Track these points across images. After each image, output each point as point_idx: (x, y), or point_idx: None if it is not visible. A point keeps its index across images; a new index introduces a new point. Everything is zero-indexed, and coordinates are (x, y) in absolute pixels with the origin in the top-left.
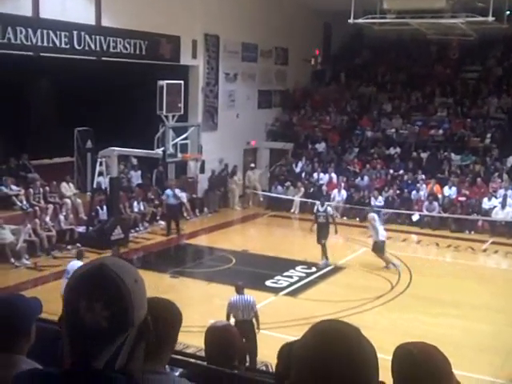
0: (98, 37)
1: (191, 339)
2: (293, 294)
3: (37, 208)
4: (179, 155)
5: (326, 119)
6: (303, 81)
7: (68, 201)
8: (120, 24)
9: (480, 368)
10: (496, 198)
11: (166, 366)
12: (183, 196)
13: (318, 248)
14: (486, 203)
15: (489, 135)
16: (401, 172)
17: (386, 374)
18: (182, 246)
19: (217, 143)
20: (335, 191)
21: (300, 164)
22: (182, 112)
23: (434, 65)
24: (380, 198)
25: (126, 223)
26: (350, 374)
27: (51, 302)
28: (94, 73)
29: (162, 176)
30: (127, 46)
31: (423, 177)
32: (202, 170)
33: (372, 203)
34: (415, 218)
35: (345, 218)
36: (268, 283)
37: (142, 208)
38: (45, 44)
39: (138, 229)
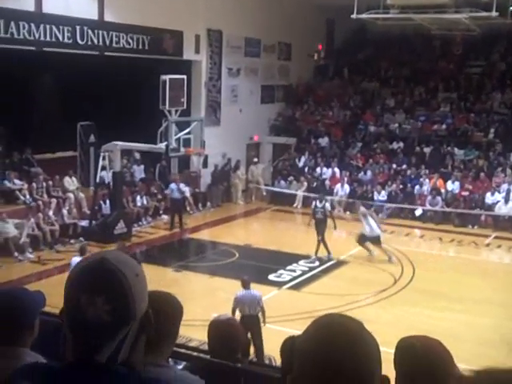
0: (100, 32)
1: (194, 333)
2: (296, 287)
3: (40, 202)
4: (182, 150)
5: (329, 114)
6: (306, 76)
7: (71, 195)
8: (123, 19)
9: (482, 362)
10: (499, 192)
11: (170, 360)
12: (186, 190)
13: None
14: (489, 198)
15: (492, 130)
16: (404, 167)
17: (388, 367)
18: (185, 240)
19: (220, 138)
20: (338, 186)
21: (303, 159)
22: (185, 107)
23: (437, 60)
24: (383, 192)
25: (129, 217)
26: (352, 367)
27: (54, 296)
28: (97, 68)
29: (164, 170)
30: (130, 40)
31: (426, 171)
32: (205, 165)
33: (375, 198)
34: (418, 212)
35: (348, 212)
36: (271, 277)
37: (144, 202)
38: (48, 39)
39: (141, 223)
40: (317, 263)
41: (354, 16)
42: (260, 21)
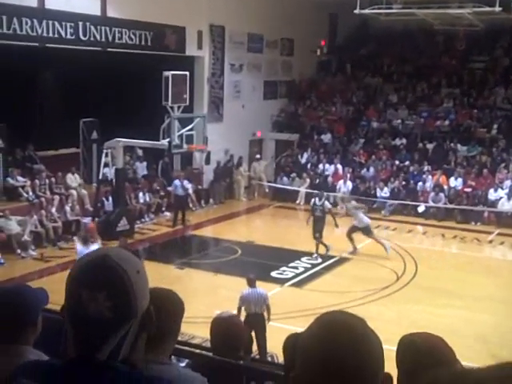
0: (103, 27)
1: (197, 330)
2: (298, 284)
3: (43, 199)
4: (185, 146)
5: (332, 110)
6: (309, 71)
7: (74, 192)
8: (125, 15)
9: (484, 359)
10: (502, 189)
11: (172, 357)
12: (189, 187)
13: (326, 239)
14: (492, 194)
15: (495, 126)
16: (407, 163)
17: (391, 364)
18: (188, 237)
19: (222, 134)
20: (341, 182)
21: (306, 155)
22: (188, 103)
23: (440, 55)
24: (386, 189)
25: (132, 214)
26: (355, 364)
27: (57, 293)
28: (100, 64)
29: (167, 167)
30: (132, 36)
31: (429, 168)
32: (208, 161)
33: (378, 194)
34: (421, 209)
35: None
36: (273, 274)
37: (147, 199)
38: (50, 35)
39: (143, 220)
40: (319, 260)
41: (356, 11)
42: (263, 16)
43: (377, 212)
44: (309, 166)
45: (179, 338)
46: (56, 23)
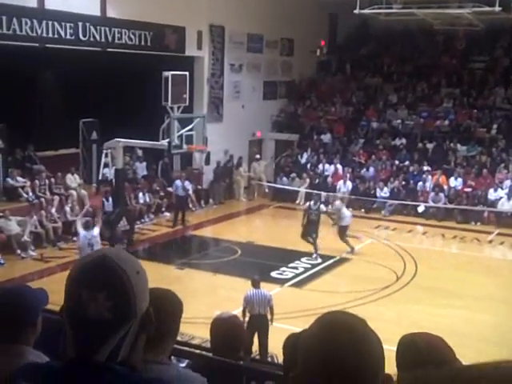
0: (103, 28)
1: (197, 330)
2: (298, 285)
3: (42, 199)
4: (184, 146)
5: (332, 110)
6: (309, 71)
7: (73, 192)
8: (125, 15)
9: (484, 359)
10: (502, 189)
11: (172, 357)
12: (190, 188)
13: (325, 239)
14: (492, 194)
15: (495, 126)
16: (406, 163)
17: (391, 364)
18: (188, 237)
19: (222, 134)
20: (341, 182)
21: (305, 155)
22: (187, 103)
23: (440, 55)
24: (385, 189)
25: (132, 214)
26: (355, 364)
27: (57, 293)
28: (99, 64)
29: (167, 167)
30: (132, 37)
31: (429, 168)
32: (208, 162)
33: (377, 194)
34: (421, 209)
35: (350, 209)
36: (273, 274)
37: (147, 199)
38: (50, 35)
39: (143, 220)
40: (319, 260)
41: (356, 11)
42: (262, 16)
43: (377, 212)
44: (308, 166)
45: (179, 339)
46: (56, 23)
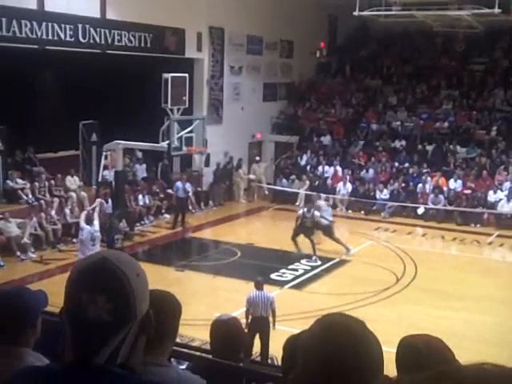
0: (102, 30)
1: (197, 332)
2: (298, 287)
3: (42, 201)
4: (184, 148)
5: (332, 112)
6: (308, 73)
7: (73, 194)
8: (125, 17)
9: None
10: (502, 190)
11: (172, 359)
12: (190, 189)
13: (325, 241)
14: (492, 196)
15: (495, 128)
16: (406, 165)
17: (391, 366)
18: (188, 239)
19: (222, 136)
20: (340, 184)
21: (305, 157)
22: (187, 105)
23: (439, 57)
24: (385, 191)
25: (132, 216)
26: (355, 366)
27: (57, 295)
28: (99, 66)
29: (167, 169)
30: (132, 38)
31: (429, 170)
32: (207, 164)
33: (377, 196)
34: (420, 211)
35: (350, 211)
36: (273, 276)
37: (147, 201)
38: (50, 37)
39: (143, 222)
40: (319, 262)
41: (356, 13)
42: (262, 18)
43: (376, 214)
44: (308, 167)
45: (179, 341)
46: (55, 25)
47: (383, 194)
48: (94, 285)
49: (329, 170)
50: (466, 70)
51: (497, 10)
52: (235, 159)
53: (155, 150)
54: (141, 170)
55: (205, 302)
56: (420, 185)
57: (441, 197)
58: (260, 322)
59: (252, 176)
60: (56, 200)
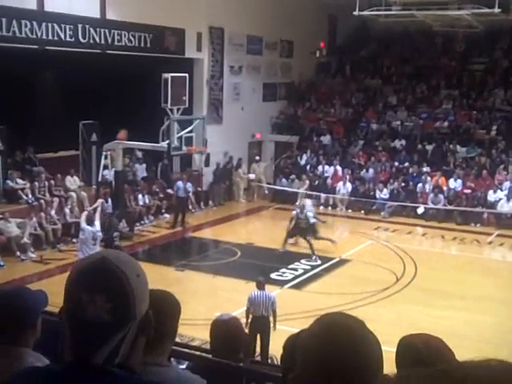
0: (102, 30)
1: (197, 332)
2: (298, 286)
3: (42, 201)
4: (184, 148)
5: (331, 112)
6: (308, 73)
7: (73, 194)
8: (125, 17)
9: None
10: (502, 190)
11: (172, 359)
12: (190, 189)
13: (325, 241)
14: (492, 196)
15: (494, 127)
16: (406, 164)
17: (390, 366)
18: (187, 239)
19: (222, 136)
20: (340, 184)
21: (305, 157)
22: (187, 105)
23: (439, 57)
24: (385, 190)
25: (131, 216)
26: (354, 365)
27: (56, 295)
28: (99, 66)
29: (166, 169)
30: (132, 38)
31: (428, 169)
32: (207, 163)
33: (377, 196)
34: (420, 210)
35: (350, 210)
36: (273, 276)
37: (147, 201)
38: (50, 37)
39: (143, 222)
40: (319, 262)
41: (356, 13)
42: (262, 18)
43: (376, 214)
44: (308, 167)
45: (179, 341)
46: (55, 26)
47: (383, 194)
48: (94, 284)
49: (329, 170)
50: (466, 69)
51: (497, 10)
52: (235, 159)
53: (155, 149)
54: (141, 170)
55: (205, 301)
56: (420, 184)
57: (441, 196)
58: (260, 321)
59: (251, 176)
60: (56, 200)
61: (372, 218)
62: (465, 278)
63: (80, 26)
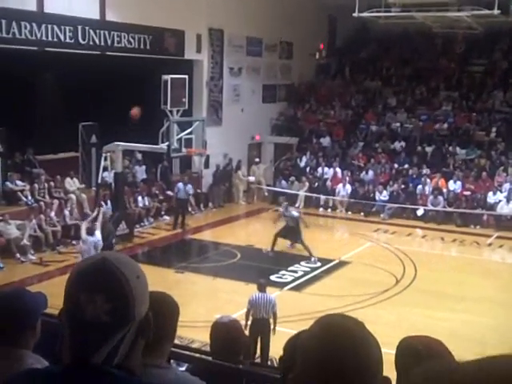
0: (102, 31)
1: (196, 334)
2: (297, 288)
3: (42, 203)
4: (184, 150)
5: (331, 113)
6: (308, 75)
7: (73, 196)
8: (124, 18)
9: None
10: (501, 192)
11: (172, 361)
12: (191, 191)
13: (325, 243)
14: (491, 197)
15: (494, 129)
16: (405, 166)
17: (390, 367)
18: (187, 240)
19: (221, 138)
20: (340, 186)
21: (304, 158)
22: (187, 107)
23: (439, 58)
24: (385, 192)
25: (131, 218)
26: (354, 367)
27: (56, 297)
28: (99, 67)
29: (166, 171)
30: (131, 40)
31: (428, 171)
32: (207, 165)
33: (377, 198)
34: (420, 212)
35: (349, 212)
36: (273, 278)
37: (146, 203)
38: (49, 39)
39: (142, 224)
40: (318, 264)
41: (355, 14)
42: (261, 20)
43: (376, 215)
44: (308, 169)
45: (179, 343)
46: (55, 27)
47: (383, 196)
48: (94, 285)
49: (328, 172)
50: (466, 71)
51: (496, 12)
52: (234, 161)
53: (155, 151)
54: (140, 172)
55: (204, 303)
56: (419, 186)
57: (440, 198)
58: (261, 323)
59: (251, 178)
60: (55, 202)
61: (372, 219)
62: (464, 280)
63: (80, 27)
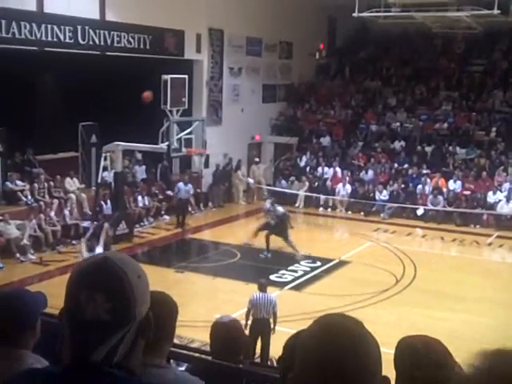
0: (102, 31)
1: (196, 334)
2: (297, 288)
3: (42, 203)
4: (183, 150)
5: (331, 113)
6: (308, 75)
7: (73, 196)
8: (124, 18)
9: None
10: (501, 191)
11: (172, 361)
12: (191, 191)
13: (325, 243)
14: (491, 197)
15: (494, 129)
16: (405, 166)
17: (389, 367)
18: (187, 240)
19: (221, 138)
20: (340, 185)
21: (304, 158)
22: (187, 106)
23: (439, 58)
24: (385, 192)
25: (131, 218)
26: (353, 366)
27: (56, 297)
28: (99, 67)
29: (166, 171)
30: (131, 40)
31: (428, 171)
32: (207, 165)
33: (377, 197)
34: (420, 212)
35: (349, 212)
36: (273, 277)
37: (146, 203)
38: (49, 39)
39: (142, 223)
40: (318, 263)
41: (355, 14)
42: (261, 20)
43: (376, 215)
44: (308, 169)
45: (179, 342)
46: (55, 27)
47: (383, 195)
48: (94, 283)
49: (328, 171)
50: (465, 71)
51: (496, 11)
52: (234, 160)
53: (155, 151)
54: (140, 172)
55: (204, 303)
56: (419, 186)
57: (440, 198)
58: (261, 323)
59: (250, 180)
60: (55, 201)
61: (371, 219)
62: (464, 280)
63: (79, 27)
